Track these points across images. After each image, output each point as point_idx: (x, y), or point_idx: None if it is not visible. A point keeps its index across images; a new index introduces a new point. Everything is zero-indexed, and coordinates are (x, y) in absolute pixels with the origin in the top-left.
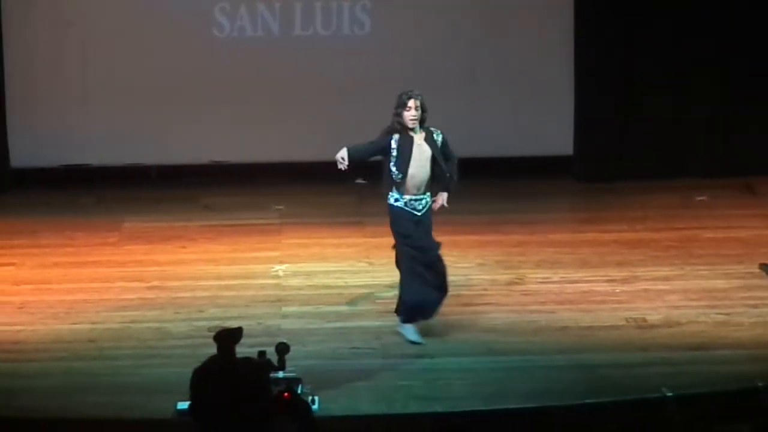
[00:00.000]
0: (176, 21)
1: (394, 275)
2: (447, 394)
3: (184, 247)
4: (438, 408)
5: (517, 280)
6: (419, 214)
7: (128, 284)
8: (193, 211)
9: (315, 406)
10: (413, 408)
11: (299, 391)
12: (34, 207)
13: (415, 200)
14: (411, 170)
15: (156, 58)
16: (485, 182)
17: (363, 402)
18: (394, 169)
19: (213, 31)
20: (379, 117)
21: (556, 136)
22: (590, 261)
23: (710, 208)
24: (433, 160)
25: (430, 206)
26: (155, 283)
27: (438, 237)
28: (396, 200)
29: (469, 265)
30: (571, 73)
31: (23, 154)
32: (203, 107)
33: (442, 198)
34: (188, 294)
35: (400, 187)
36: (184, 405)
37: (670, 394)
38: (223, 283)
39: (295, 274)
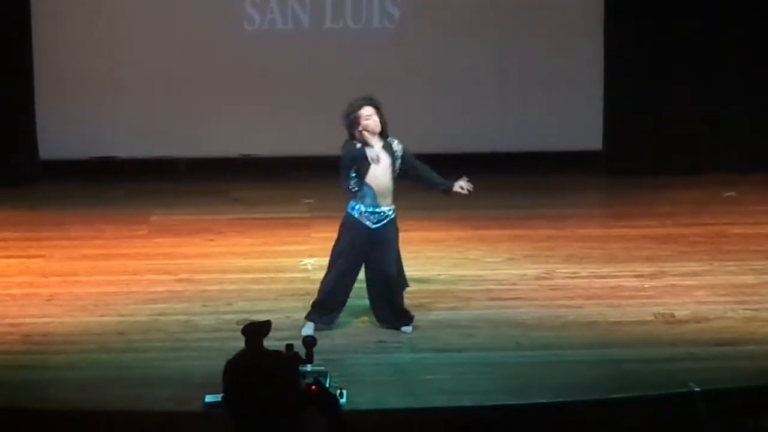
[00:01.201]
0: (206, 13)
1: (421, 269)
2: (474, 388)
3: (212, 240)
4: (465, 402)
5: (545, 275)
6: (373, 227)
7: (157, 277)
8: (221, 205)
9: (343, 400)
10: (440, 402)
11: (327, 385)
12: (63, 199)
13: (371, 213)
14: (367, 179)
15: (186, 50)
16: (514, 177)
17: (390, 396)
18: (352, 180)
19: (243, 23)
20: (408, 110)
21: (585, 131)
22: (618, 256)
23: (739, 204)
24: (393, 171)
25: (392, 223)
26: (184, 276)
27: (466, 231)
28: (352, 208)
29: (498, 259)
30: (601, 67)
31: (52, 145)
32: (233, 100)
33: (460, 186)
34: (216, 287)
35: (359, 197)
36: (212, 398)
37: (697, 389)
38: (251, 276)
39: (324, 268)
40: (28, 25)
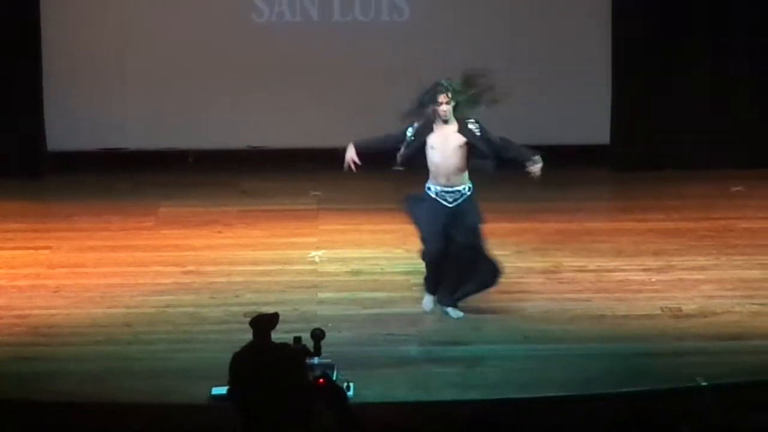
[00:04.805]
0: (215, 5)
1: None
2: (482, 381)
3: (220, 232)
4: (473, 395)
5: (553, 269)
6: (450, 205)
7: (164, 269)
8: (229, 196)
9: (350, 393)
10: (449, 395)
11: (334, 378)
12: (71, 190)
13: (446, 192)
14: (436, 160)
15: (194, 42)
16: (522, 170)
17: (398, 389)
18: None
19: (252, 15)
20: None
21: (593, 125)
22: (626, 250)
23: (747, 198)
24: (467, 150)
25: (470, 199)
26: (191, 267)
27: None
28: (428, 188)
29: (506, 252)
30: (609, 61)
31: (60, 137)
32: (241, 92)
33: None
34: (224, 279)
35: (433, 176)
36: (219, 390)
37: (704, 383)
38: (259, 268)
39: (331, 260)
40: (37, 17)
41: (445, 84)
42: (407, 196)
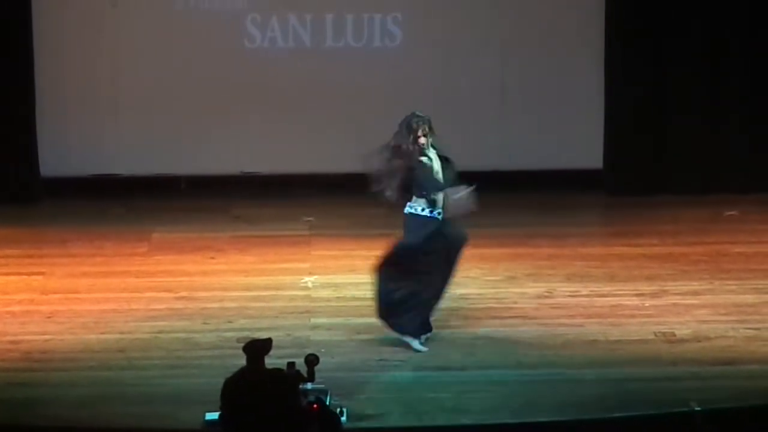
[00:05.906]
0: (207, 31)
1: None
2: (475, 406)
3: (213, 258)
4: (466, 420)
5: (546, 294)
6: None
7: (157, 294)
8: (222, 222)
9: (344, 418)
10: (442, 420)
11: (327, 403)
12: (64, 216)
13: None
14: None
15: (187, 68)
16: (515, 195)
17: (391, 414)
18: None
19: (244, 41)
20: None
21: (586, 150)
22: (619, 275)
23: (740, 223)
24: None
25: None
26: (184, 293)
27: (467, 250)
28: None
29: (499, 278)
30: (601, 86)
31: (53, 163)
32: (234, 118)
33: None
34: (217, 305)
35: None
36: (212, 416)
37: (698, 408)
38: (252, 294)
39: (324, 286)
40: (30, 44)
41: (421, 116)
42: None
